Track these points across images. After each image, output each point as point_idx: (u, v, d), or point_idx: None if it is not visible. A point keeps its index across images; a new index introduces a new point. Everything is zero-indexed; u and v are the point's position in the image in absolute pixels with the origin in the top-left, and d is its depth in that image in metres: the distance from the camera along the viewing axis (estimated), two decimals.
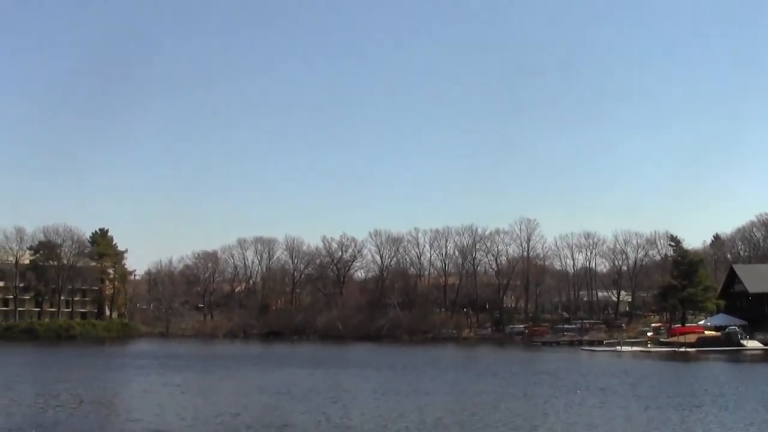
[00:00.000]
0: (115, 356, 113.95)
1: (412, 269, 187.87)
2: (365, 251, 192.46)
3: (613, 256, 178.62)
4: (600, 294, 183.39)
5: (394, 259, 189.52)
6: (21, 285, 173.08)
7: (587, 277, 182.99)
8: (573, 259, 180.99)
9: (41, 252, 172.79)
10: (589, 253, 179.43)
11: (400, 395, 60.44)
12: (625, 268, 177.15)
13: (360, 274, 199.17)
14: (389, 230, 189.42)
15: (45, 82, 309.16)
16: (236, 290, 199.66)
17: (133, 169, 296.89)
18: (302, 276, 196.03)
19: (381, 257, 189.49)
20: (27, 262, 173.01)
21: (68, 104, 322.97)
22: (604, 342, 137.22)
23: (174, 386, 67.42)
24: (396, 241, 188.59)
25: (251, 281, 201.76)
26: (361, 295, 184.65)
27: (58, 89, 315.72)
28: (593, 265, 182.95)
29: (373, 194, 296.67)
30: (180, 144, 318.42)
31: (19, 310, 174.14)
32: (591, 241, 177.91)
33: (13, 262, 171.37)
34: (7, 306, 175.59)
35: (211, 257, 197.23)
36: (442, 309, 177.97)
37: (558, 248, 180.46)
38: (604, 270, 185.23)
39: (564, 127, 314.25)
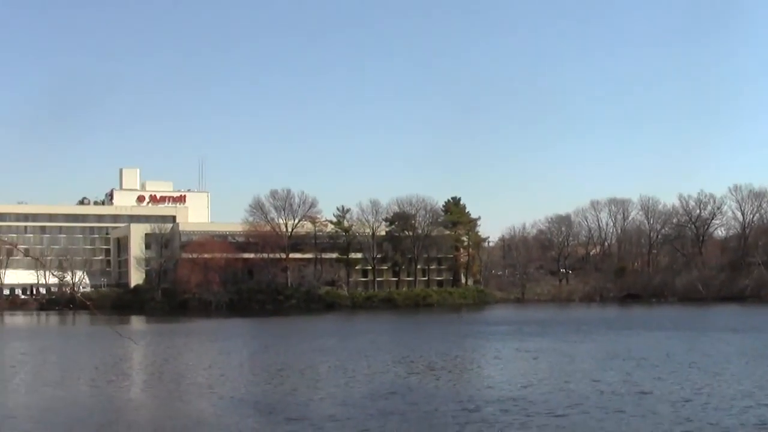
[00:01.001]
0: (471, 323, 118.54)
1: None
2: (725, 208, 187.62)
3: None
4: None
5: (757, 214, 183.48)
6: (378, 256, 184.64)
7: None
8: None
9: (396, 223, 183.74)
10: None
11: None
12: None
13: (720, 232, 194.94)
14: (751, 184, 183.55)
15: None
16: (591, 253, 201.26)
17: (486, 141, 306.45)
18: (659, 236, 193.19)
19: (743, 213, 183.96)
20: (383, 233, 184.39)
21: None
22: None
23: (527, 352, 68.46)
24: (759, 195, 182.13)
25: (606, 243, 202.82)
26: (723, 255, 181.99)
27: None
28: None
29: (733, 146, 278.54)
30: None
31: (378, 280, 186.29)
32: None
33: (370, 233, 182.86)
34: (366, 276, 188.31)
35: (564, 221, 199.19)
36: None
37: None
38: None
39: None
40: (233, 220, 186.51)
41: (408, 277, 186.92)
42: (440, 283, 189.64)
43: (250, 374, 57.41)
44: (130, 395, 48.26)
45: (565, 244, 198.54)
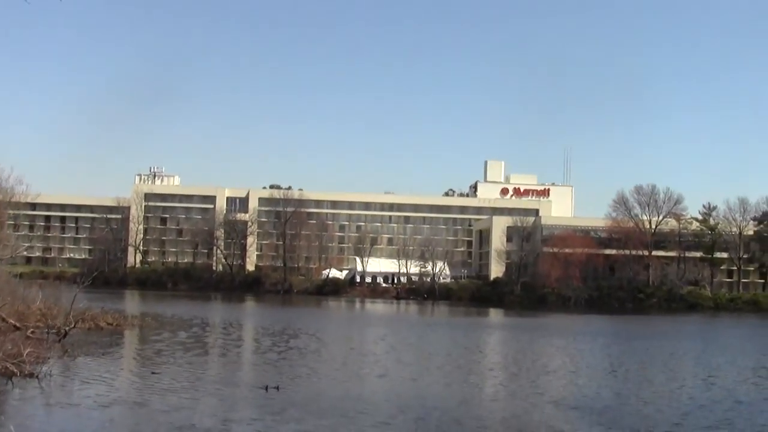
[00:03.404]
0: None
1: None
2: None
3: None
4: None
5: None
6: (745, 256, 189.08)
7: None
8: None
9: (765, 222, 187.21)
10: None
11: None
12: None
13: None
14: None
15: None
16: None
17: None
18: None
19: None
20: (751, 232, 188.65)
21: None
22: None
23: None
24: None
25: None
26: None
27: None
28: None
29: None
30: None
31: (743, 281, 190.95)
32: None
33: (737, 232, 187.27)
34: (731, 277, 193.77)
35: None
36: None
37: None
38: None
39: None
40: (596, 215, 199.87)
41: None
42: None
43: (607, 377, 58.32)
44: (481, 388, 51.47)
45: None
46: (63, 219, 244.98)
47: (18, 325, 60.78)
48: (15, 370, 43.66)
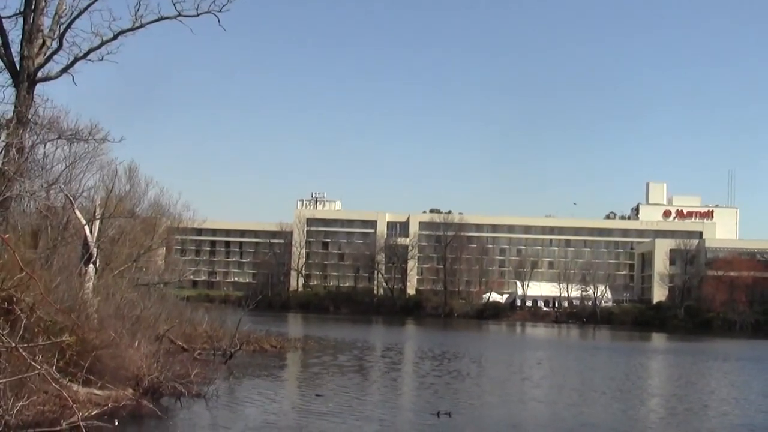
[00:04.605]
0: None
1: None
2: None
3: None
4: None
5: None
6: None
7: None
8: None
9: None
10: None
11: None
12: None
13: None
14: None
15: None
16: None
17: None
18: None
19: None
20: None
21: None
22: None
23: None
24: None
25: None
26: None
27: None
28: None
29: None
30: None
31: None
32: None
33: None
34: None
35: None
36: None
37: None
38: None
39: None
40: (763, 237, 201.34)
41: None
42: None
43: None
44: (647, 415, 51.14)
45: None
46: (228, 244, 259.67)
47: (185, 346, 62.92)
48: (183, 390, 44.73)
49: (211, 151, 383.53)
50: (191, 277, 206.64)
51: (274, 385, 58.40)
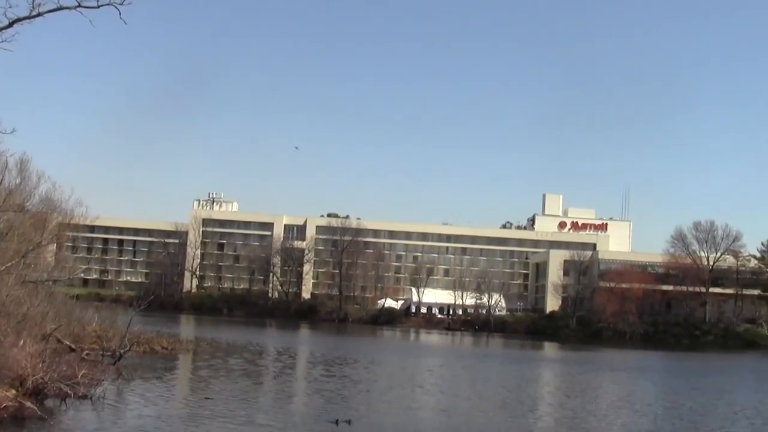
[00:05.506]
0: None
1: None
2: None
3: None
4: None
5: None
6: None
7: None
8: None
9: None
10: None
11: None
12: None
13: None
14: None
15: None
16: None
17: None
18: None
19: None
20: None
21: None
22: None
23: None
24: None
25: None
26: None
27: None
28: None
29: None
30: None
31: None
32: None
33: None
34: None
35: None
36: None
37: None
38: None
39: None
40: (654, 251, 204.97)
41: None
42: None
43: (665, 416, 58.66)
44: (535, 422, 53.65)
45: None
46: (121, 242, 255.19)
47: (73, 346, 62.13)
48: (69, 392, 44.28)
49: (107, 147, 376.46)
50: (82, 275, 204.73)
51: (163, 387, 58.31)
